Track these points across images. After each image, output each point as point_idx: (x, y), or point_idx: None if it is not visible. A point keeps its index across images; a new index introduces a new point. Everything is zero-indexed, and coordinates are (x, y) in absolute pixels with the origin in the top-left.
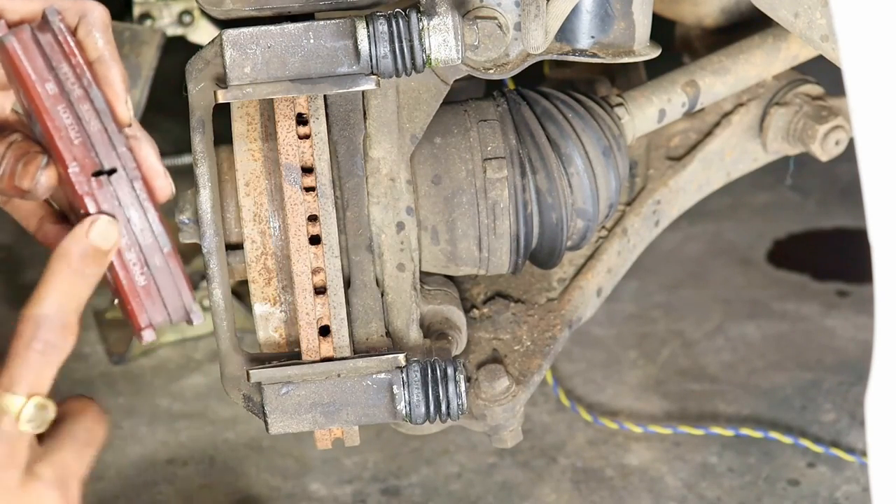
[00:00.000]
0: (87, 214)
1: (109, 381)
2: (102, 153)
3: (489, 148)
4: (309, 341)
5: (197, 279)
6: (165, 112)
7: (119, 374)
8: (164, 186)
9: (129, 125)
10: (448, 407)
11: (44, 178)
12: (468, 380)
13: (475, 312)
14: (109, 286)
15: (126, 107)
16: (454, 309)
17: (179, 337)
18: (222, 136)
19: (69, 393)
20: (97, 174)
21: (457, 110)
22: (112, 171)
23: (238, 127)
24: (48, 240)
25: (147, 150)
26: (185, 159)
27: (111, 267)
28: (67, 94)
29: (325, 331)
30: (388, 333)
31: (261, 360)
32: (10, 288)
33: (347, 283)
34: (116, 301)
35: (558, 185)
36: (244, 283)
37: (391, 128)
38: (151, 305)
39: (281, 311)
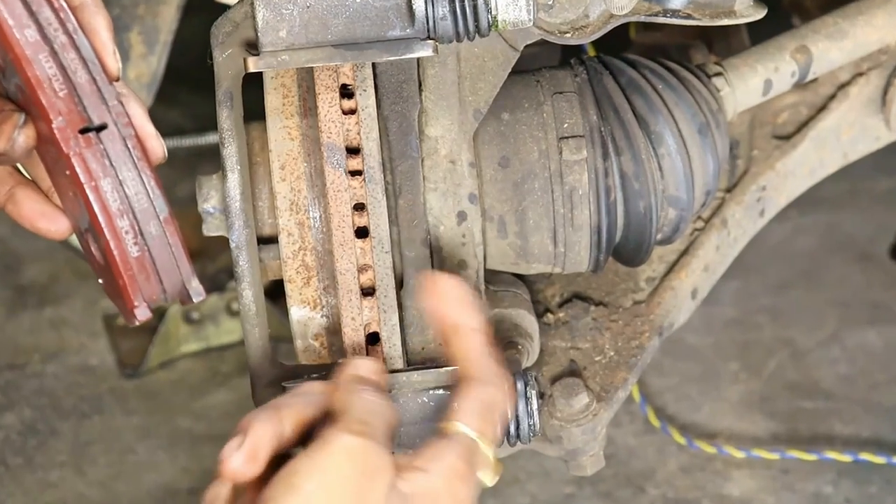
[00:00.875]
0: (75, 175)
1: (121, 398)
2: (91, 107)
3: (566, 125)
4: (355, 351)
5: (224, 279)
6: (187, 83)
7: (133, 390)
8: (157, 148)
9: (118, 79)
10: (518, 428)
11: (21, 138)
12: (541, 396)
13: (549, 317)
14: (92, 262)
15: (115, 58)
16: (524, 313)
17: (203, 346)
18: (254, 111)
19: (73, 411)
20: (85, 130)
21: (528, 81)
22: (102, 128)
23: (272, 100)
24: (19, 212)
25: (137, 108)
26: (209, 138)
27: (99, 236)
28: (50, 41)
29: (373, 339)
30: None
31: (299, 373)
32: (5, 288)
33: (400, 284)
34: (101, 280)
35: (646, 168)
36: (279, 283)
37: (451, 101)
38: (145, 280)
39: (322, 316)
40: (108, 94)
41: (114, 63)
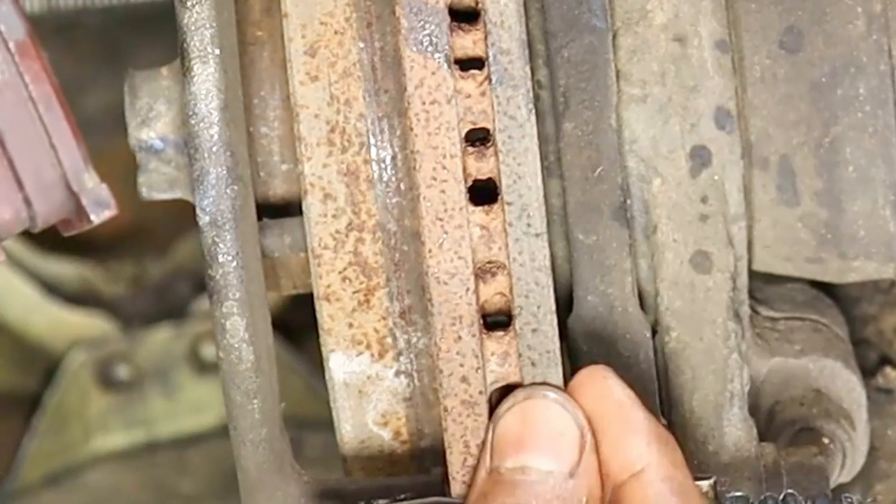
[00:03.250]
0: None
1: None
2: None
3: None
4: (468, 449)
5: (185, 293)
6: None
7: None
8: None
9: None
10: None
11: None
12: None
13: (890, 376)
14: None
15: None
16: (838, 368)
17: (141, 439)
18: None
19: None
20: None
21: None
22: None
23: None
24: None
25: None
26: None
27: None
28: None
29: None
30: (667, 428)
31: (345, 494)
32: None
33: (567, 302)
34: None
35: None
36: (304, 299)
37: None
38: None
39: (397, 374)
40: None
41: None
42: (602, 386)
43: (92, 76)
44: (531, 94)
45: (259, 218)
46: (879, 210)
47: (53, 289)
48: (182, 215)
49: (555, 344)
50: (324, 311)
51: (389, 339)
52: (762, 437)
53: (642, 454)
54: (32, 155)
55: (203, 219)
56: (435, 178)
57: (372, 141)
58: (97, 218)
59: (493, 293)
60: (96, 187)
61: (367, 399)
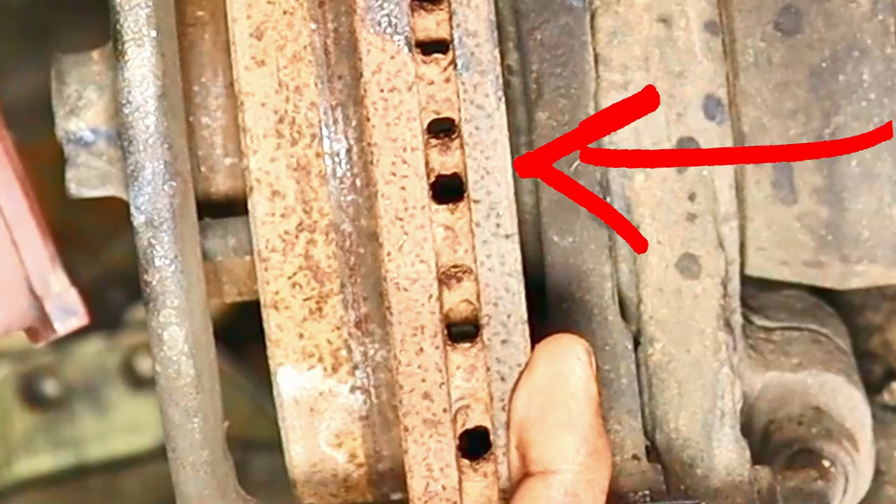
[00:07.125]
0: None
1: None
2: None
3: None
4: (431, 473)
5: (118, 301)
6: None
7: None
8: None
9: None
10: None
11: None
12: None
13: None
14: None
15: None
16: (840, 383)
17: (70, 461)
18: None
19: None
20: None
21: None
22: None
23: None
24: None
25: None
26: None
27: None
28: None
29: (477, 443)
30: (650, 449)
31: None
32: None
33: (539, 311)
34: None
35: None
36: (250, 308)
37: None
38: None
39: (353, 390)
40: None
41: None
42: (564, 367)
43: (14, 61)
44: (500, 81)
45: (200, 217)
46: (885, 209)
47: None
48: (115, 214)
49: (527, 356)
50: (271, 321)
51: (344, 352)
52: (756, 460)
53: (567, 456)
54: None
55: (138, 218)
56: (394, 174)
57: (325, 132)
58: (63, 327)
59: (458, 300)
60: (63, 292)
61: (319, 418)
